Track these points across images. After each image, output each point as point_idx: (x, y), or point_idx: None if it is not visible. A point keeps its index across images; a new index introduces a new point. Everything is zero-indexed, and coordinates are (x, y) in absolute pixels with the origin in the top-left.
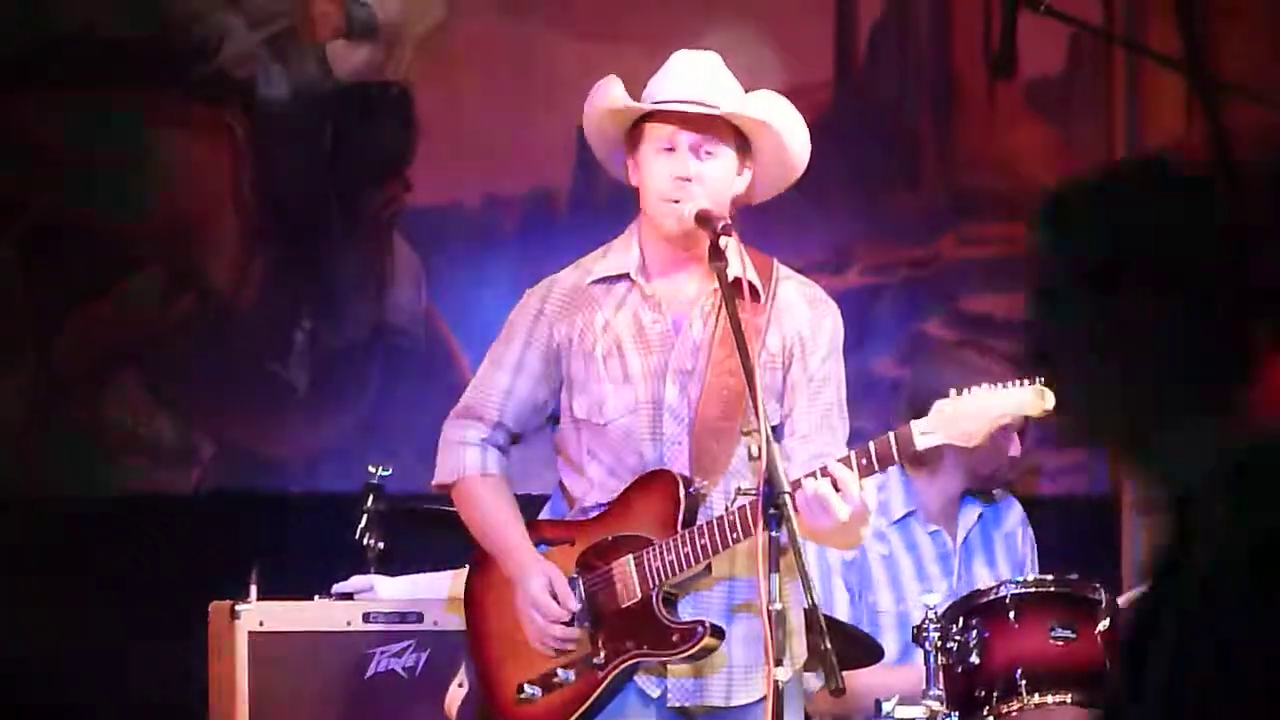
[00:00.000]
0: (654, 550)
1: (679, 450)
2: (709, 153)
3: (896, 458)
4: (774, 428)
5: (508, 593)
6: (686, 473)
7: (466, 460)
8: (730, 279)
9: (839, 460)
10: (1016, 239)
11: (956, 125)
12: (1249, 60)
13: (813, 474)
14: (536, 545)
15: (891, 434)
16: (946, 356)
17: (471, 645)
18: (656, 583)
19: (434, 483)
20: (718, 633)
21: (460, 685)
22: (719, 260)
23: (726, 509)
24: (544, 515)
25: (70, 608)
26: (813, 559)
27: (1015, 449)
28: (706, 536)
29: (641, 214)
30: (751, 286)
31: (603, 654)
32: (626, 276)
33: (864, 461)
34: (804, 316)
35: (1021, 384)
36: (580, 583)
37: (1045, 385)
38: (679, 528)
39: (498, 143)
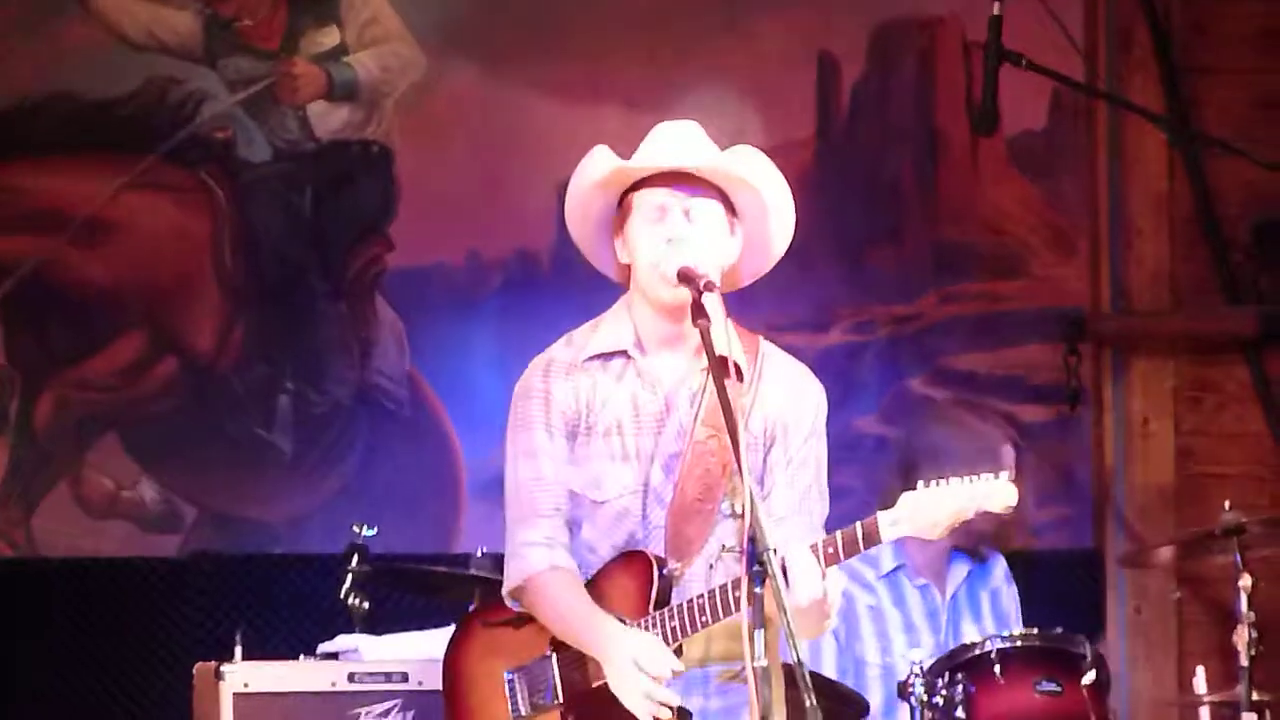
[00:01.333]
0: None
1: (658, 534)
2: (698, 214)
3: (862, 547)
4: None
5: (480, 665)
6: (663, 554)
7: (531, 560)
8: (718, 356)
9: (809, 547)
10: (1000, 296)
11: (939, 181)
12: (1231, 115)
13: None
14: (516, 619)
15: (858, 525)
16: (939, 415)
17: (446, 715)
18: None
19: (505, 591)
20: (684, 716)
21: None
22: (702, 318)
23: (701, 594)
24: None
25: (55, 671)
26: None
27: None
28: (675, 619)
29: (632, 290)
30: (736, 366)
31: None
32: (624, 353)
33: (830, 550)
34: (787, 399)
35: (989, 477)
36: (553, 661)
37: (1010, 480)
38: (650, 609)
39: (480, 203)
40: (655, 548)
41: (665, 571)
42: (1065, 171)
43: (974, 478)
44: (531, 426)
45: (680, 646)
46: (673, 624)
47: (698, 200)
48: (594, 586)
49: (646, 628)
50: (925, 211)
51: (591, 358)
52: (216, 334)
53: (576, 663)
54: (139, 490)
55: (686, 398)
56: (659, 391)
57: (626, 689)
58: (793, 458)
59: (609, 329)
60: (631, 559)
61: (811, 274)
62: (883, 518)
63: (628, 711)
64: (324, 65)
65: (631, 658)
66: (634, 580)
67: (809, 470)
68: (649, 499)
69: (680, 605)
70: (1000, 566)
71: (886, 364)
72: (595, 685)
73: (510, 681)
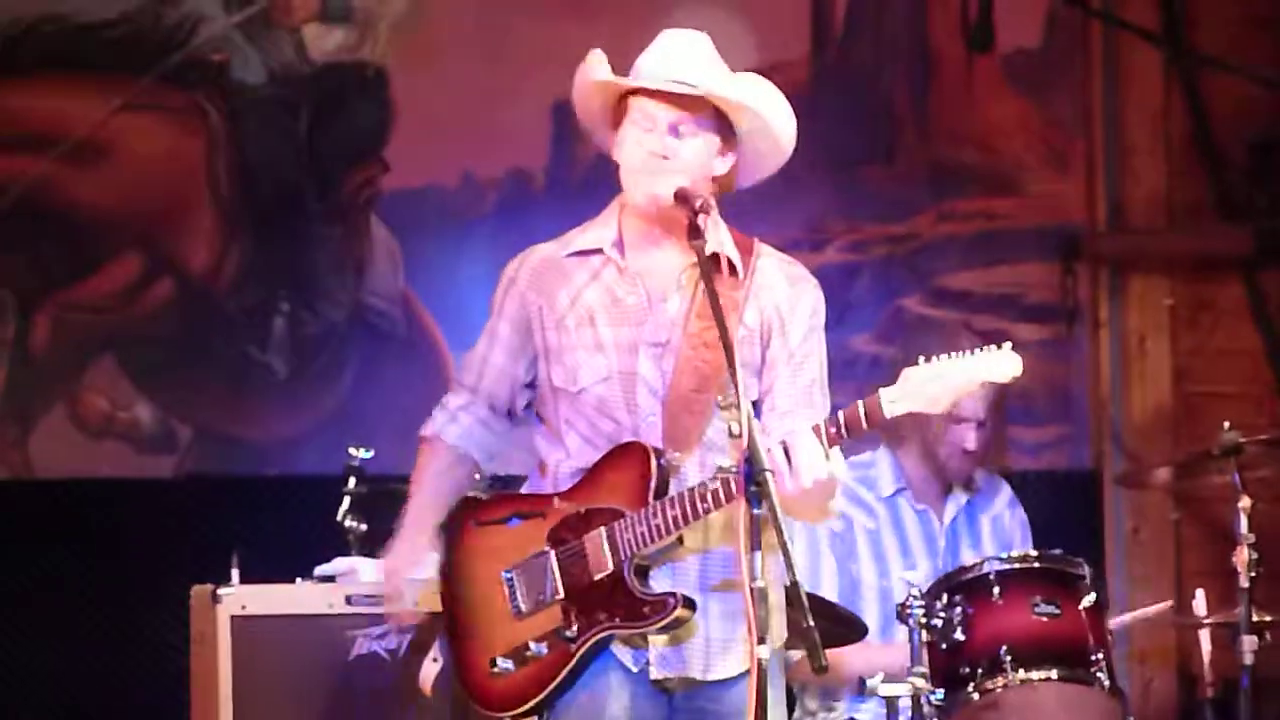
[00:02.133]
0: (625, 522)
1: (654, 424)
2: (686, 132)
3: (865, 426)
4: (752, 403)
5: (476, 567)
6: (659, 445)
7: (436, 421)
8: (709, 254)
9: (811, 428)
10: (995, 214)
11: (934, 100)
12: (1226, 32)
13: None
14: (509, 519)
15: (860, 403)
16: (937, 333)
17: (447, 620)
18: (627, 554)
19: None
20: (689, 604)
21: (435, 660)
22: (697, 238)
23: (701, 481)
24: (525, 489)
25: (49, 591)
26: (802, 531)
27: (971, 443)
28: (677, 508)
29: (623, 190)
30: (730, 262)
31: (575, 626)
32: (600, 251)
33: (832, 430)
34: (783, 293)
35: (992, 348)
36: (552, 555)
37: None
38: (650, 499)
39: (474, 123)
40: (650, 437)
41: (664, 461)
42: (1060, 89)
43: (976, 349)
44: (492, 308)
45: (681, 536)
46: (673, 512)
47: (688, 118)
48: (593, 477)
49: (648, 517)
50: (920, 130)
51: (571, 254)
52: (212, 256)
53: (575, 556)
54: (134, 411)
55: (675, 290)
56: (639, 285)
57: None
58: (794, 352)
59: (595, 229)
60: (628, 450)
61: (806, 193)
62: (884, 394)
63: (630, 602)
64: None
65: (388, 567)
66: (633, 471)
67: (813, 364)
68: (636, 387)
69: (680, 494)
70: (1003, 492)
71: (881, 283)
72: (596, 578)
73: (509, 579)
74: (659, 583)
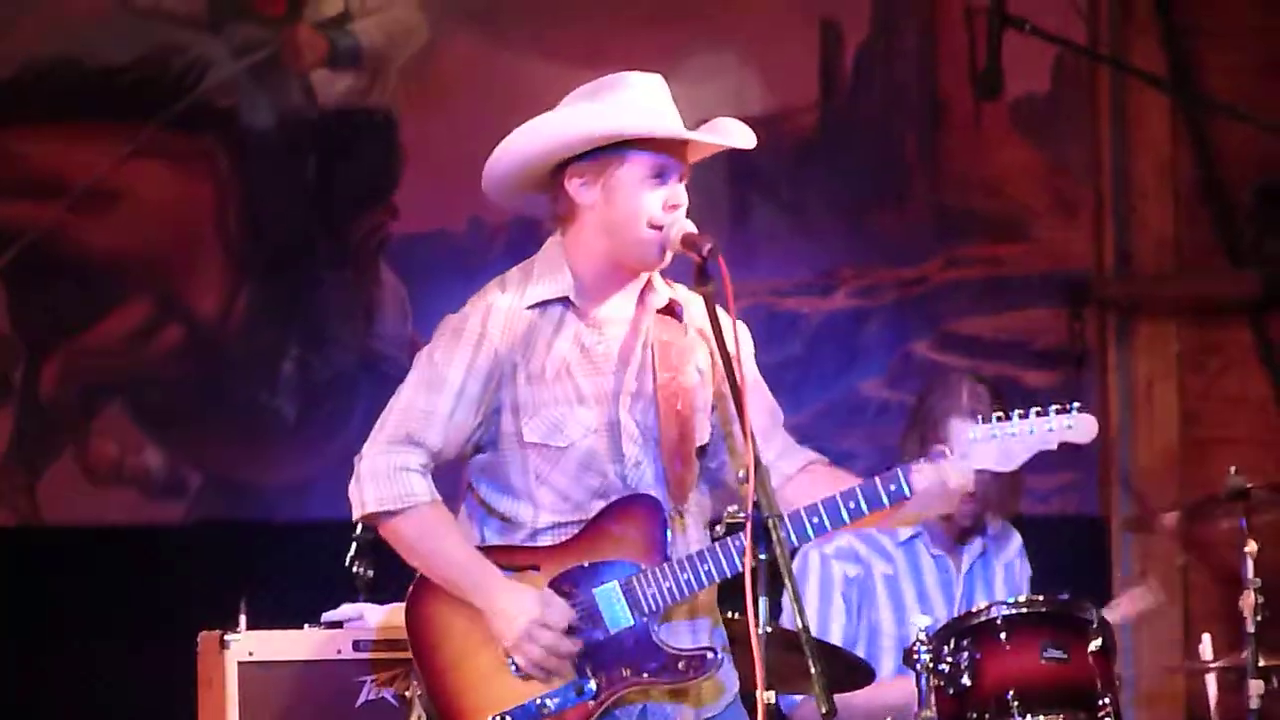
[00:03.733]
0: (646, 576)
1: (639, 472)
2: (684, 179)
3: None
4: (704, 446)
5: (461, 621)
6: (653, 494)
7: (414, 487)
8: (665, 302)
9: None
10: (1003, 260)
11: (942, 146)
12: (1233, 78)
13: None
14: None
15: (922, 461)
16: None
17: (427, 678)
18: (653, 609)
19: (370, 510)
20: (722, 660)
21: (419, 719)
22: (705, 284)
23: (715, 536)
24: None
25: (58, 639)
26: (816, 574)
27: (970, 486)
28: (710, 562)
29: (570, 236)
30: (677, 308)
31: (594, 682)
32: (564, 300)
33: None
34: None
35: (1068, 412)
36: None
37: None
38: (667, 553)
39: (482, 169)
40: (640, 486)
41: (669, 514)
42: (1068, 135)
43: (1050, 412)
44: (450, 363)
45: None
46: (705, 567)
47: (685, 164)
48: (594, 530)
49: (675, 572)
50: (929, 176)
51: (531, 306)
52: (221, 301)
53: (584, 610)
54: (144, 457)
55: (638, 341)
56: (606, 333)
57: (525, 646)
58: (751, 381)
59: (546, 277)
60: (635, 503)
61: (816, 239)
62: (949, 452)
63: (659, 658)
64: (328, 32)
65: (536, 618)
66: (644, 525)
67: (763, 387)
68: (621, 437)
69: (711, 548)
70: (1016, 540)
71: (891, 328)
72: (615, 632)
73: None
74: (669, 635)
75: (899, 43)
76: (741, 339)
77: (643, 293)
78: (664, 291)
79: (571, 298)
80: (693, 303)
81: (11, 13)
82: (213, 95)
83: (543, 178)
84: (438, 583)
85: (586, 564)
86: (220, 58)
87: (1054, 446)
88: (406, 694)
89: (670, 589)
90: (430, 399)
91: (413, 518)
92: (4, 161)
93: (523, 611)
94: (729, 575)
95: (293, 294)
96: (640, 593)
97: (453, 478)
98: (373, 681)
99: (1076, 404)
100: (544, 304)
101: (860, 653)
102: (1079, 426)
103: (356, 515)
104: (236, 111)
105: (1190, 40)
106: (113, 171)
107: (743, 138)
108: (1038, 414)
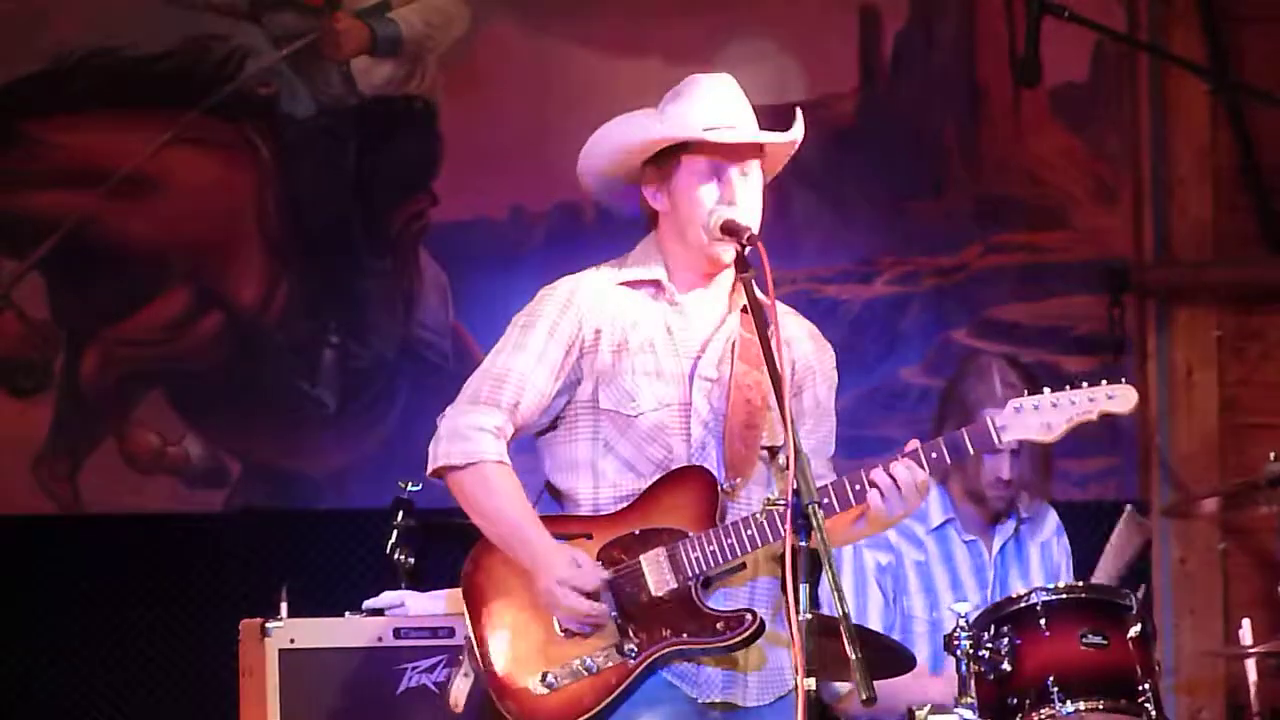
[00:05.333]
0: (690, 542)
1: (705, 454)
2: (745, 174)
3: (971, 450)
4: (777, 447)
5: (515, 581)
6: (715, 473)
7: (484, 445)
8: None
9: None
10: (1042, 247)
11: (982, 134)
12: (1273, 64)
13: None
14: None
15: (965, 430)
16: (971, 367)
17: (479, 638)
18: (695, 573)
19: (439, 464)
20: (762, 624)
21: (466, 675)
22: (745, 270)
23: (761, 510)
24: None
25: (100, 626)
26: (849, 564)
27: (1006, 472)
28: (753, 528)
29: (659, 234)
30: (764, 312)
31: (635, 642)
32: (656, 282)
33: (934, 455)
34: (809, 347)
35: (1108, 383)
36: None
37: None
38: (715, 521)
39: (523, 157)
40: (705, 466)
41: (725, 487)
42: (1107, 122)
43: (1091, 383)
44: (535, 324)
45: (744, 561)
46: (749, 532)
47: (746, 161)
48: (647, 500)
49: (719, 537)
50: (968, 163)
51: (625, 283)
52: (261, 289)
53: (631, 575)
54: (184, 445)
55: (723, 334)
56: (691, 320)
57: (555, 603)
58: (821, 403)
59: (639, 263)
60: (686, 474)
61: (855, 226)
62: (994, 419)
63: (699, 619)
64: (368, 20)
65: (559, 577)
66: (697, 495)
67: (831, 418)
68: (691, 418)
69: (754, 515)
70: (1051, 519)
71: (931, 315)
72: (658, 594)
73: None
74: (720, 603)
75: (938, 30)
76: (825, 363)
77: (732, 289)
78: (760, 293)
79: (664, 281)
80: (785, 313)
81: (51, 2)
82: (253, 84)
83: (632, 174)
84: (493, 540)
85: (637, 531)
86: (260, 46)
87: (1094, 417)
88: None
89: (715, 552)
90: (511, 361)
91: (476, 474)
92: (43, 151)
93: (549, 571)
94: (771, 541)
95: (333, 282)
96: (684, 557)
97: (532, 465)
98: (414, 669)
99: (1121, 378)
100: (635, 284)
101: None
102: (1119, 396)
103: (429, 470)
104: (276, 100)
105: (1229, 26)
106: (152, 160)
107: (784, 133)
108: (1074, 386)
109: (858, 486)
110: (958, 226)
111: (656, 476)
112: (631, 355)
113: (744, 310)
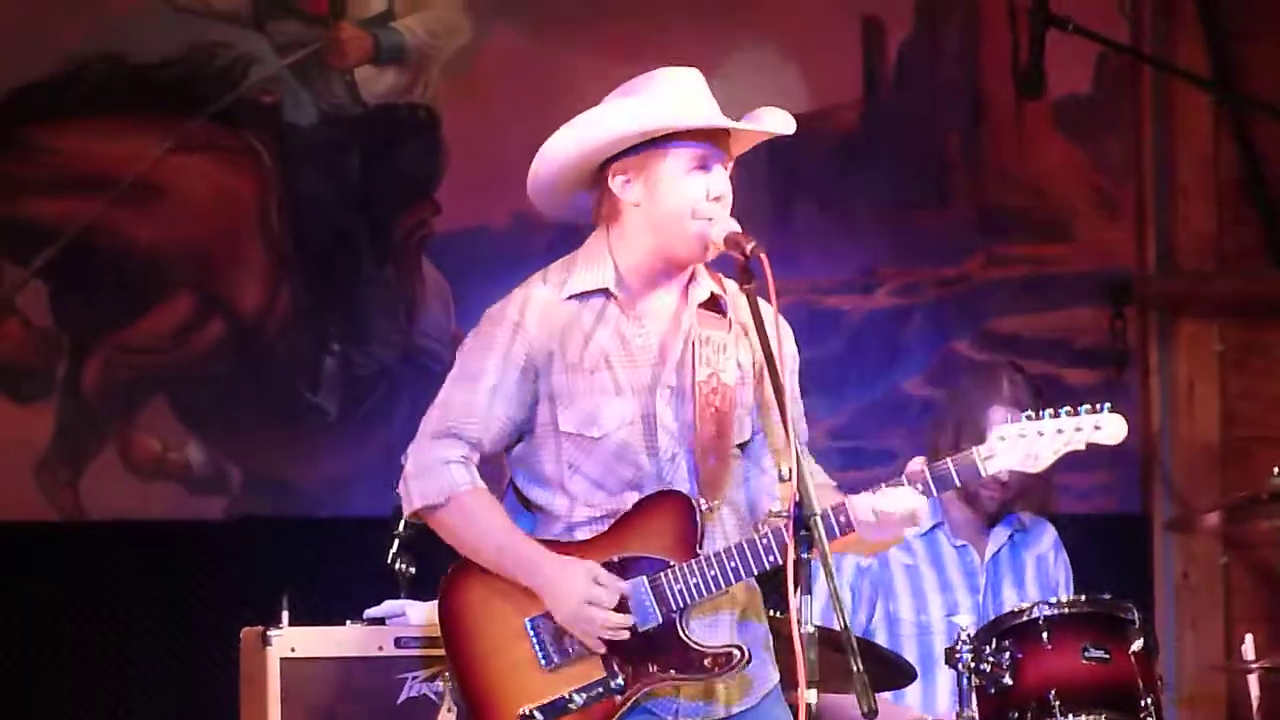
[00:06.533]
0: (673, 573)
1: (674, 466)
2: (726, 167)
3: (957, 483)
4: (745, 444)
5: (490, 615)
6: (687, 489)
7: (455, 476)
8: (708, 295)
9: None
10: (1045, 259)
11: (985, 145)
12: (1277, 77)
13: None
14: None
15: (949, 460)
16: (979, 374)
17: (459, 671)
18: (680, 606)
19: (416, 508)
20: (749, 658)
21: (450, 711)
22: (749, 282)
23: (756, 529)
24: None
25: (101, 633)
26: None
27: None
28: (737, 559)
29: (611, 230)
30: (721, 303)
31: (621, 676)
32: (605, 292)
33: (919, 487)
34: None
35: (1096, 410)
36: None
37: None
38: (697, 550)
39: (526, 165)
40: (676, 482)
41: (701, 509)
42: (1111, 134)
43: (1079, 411)
44: (488, 353)
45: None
46: (732, 564)
47: (727, 155)
48: (624, 525)
49: (702, 569)
50: (971, 174)
51: (571, 296)
52: (263, 297)
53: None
54: (186, 452)
55: (680, 336)
56: (646, 326)
57: (579, 625)
58: (789, 388)
59: (587, 269)
60: (664, 499)
61: (857, 237)
62: (979, 451)
63: (685, 654)
64: (371, 30)
65: (582, 596)
66: (676, 520)
67: (798, 403)
68: (656, 431)
69: (740, 545)
70: (1050, 534)
71: (932, 327)
72: (642, 629)
73: (534, 628)
74: (699, 632)
75: (941, 41)
76: (786, 346)
77: (686, 286)
78: (707, 284)
79: (612, 289)
80: (738, 296)
81: (55, 9)
82: (256, 92)
83: (585, 178)
84: (490, 569)
85: (616, 559)
86: (264, 55)
87: (1081, 447)
88: (441, 685)
89: (697, 585)
90: (467, 391)
91: (455, 507)
92: (47, 157)
93: (572, 593)
94: (755, 574)
95: (335, 290)
96: (667, 589)
97: (499, 476)
98: (414, 678)
99: (1107, 404)
100: (584, 295)
101: (881, 644)
102: (1107, 427)
103: (407, 513)
104: (280, 108)
105: (1233, 40)
106: (155, 167)
107: (781, 123)
108: (1067, 413)
109: (842, 518)
110: (960, 238)
111: (628, 494)
112: (588, 375)
113: (701, 305)
